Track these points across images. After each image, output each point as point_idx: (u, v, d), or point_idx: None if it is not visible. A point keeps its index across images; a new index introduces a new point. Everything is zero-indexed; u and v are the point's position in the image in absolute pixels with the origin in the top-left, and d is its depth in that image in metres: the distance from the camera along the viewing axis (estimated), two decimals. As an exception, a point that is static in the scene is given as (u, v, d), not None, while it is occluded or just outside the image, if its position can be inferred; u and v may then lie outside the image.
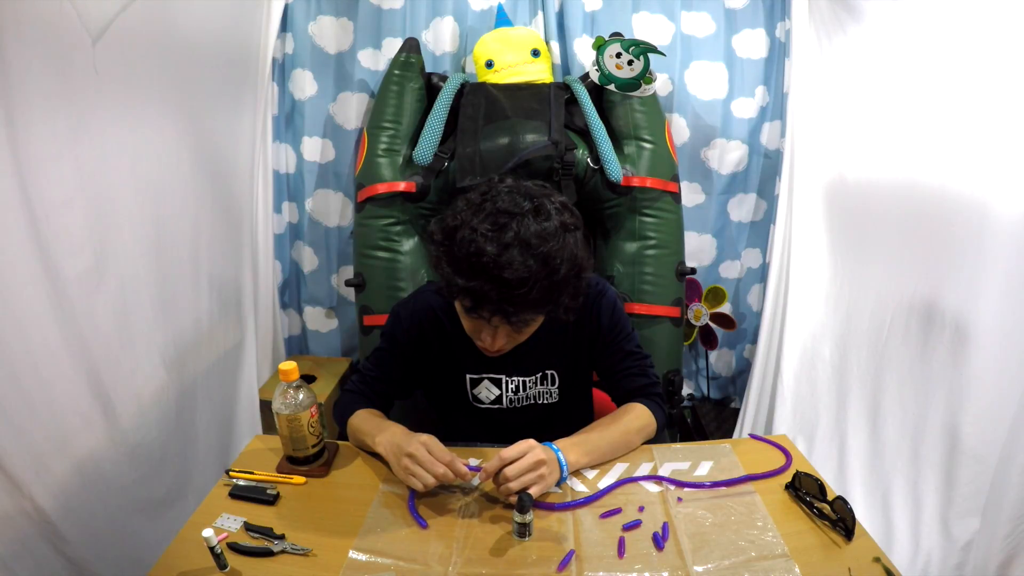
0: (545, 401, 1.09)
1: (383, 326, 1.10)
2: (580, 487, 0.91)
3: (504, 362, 1.05)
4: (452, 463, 0.83)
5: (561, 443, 0.91)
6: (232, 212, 1.51)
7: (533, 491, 0.82)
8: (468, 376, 1.06)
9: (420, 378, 1.10)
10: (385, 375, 1.07)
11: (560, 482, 0.90)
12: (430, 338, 1.06)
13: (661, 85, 1.82)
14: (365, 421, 1.00)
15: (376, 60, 1.81)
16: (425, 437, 0.86)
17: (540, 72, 1.70)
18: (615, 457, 0.97)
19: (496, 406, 1.08)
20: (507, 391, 1.07)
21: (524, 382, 1.06)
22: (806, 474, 0.87)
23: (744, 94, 1.87)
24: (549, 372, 1.07)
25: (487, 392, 1.07)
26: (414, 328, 1.05)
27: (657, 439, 1.05)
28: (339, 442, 1.02)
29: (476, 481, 0.90)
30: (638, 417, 1.01)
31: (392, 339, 1.06)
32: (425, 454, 0.83)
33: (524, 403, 1.08)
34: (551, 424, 1.09)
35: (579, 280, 0.85)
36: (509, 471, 0.81)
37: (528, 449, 0.84)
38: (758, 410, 1.74)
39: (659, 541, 0.79)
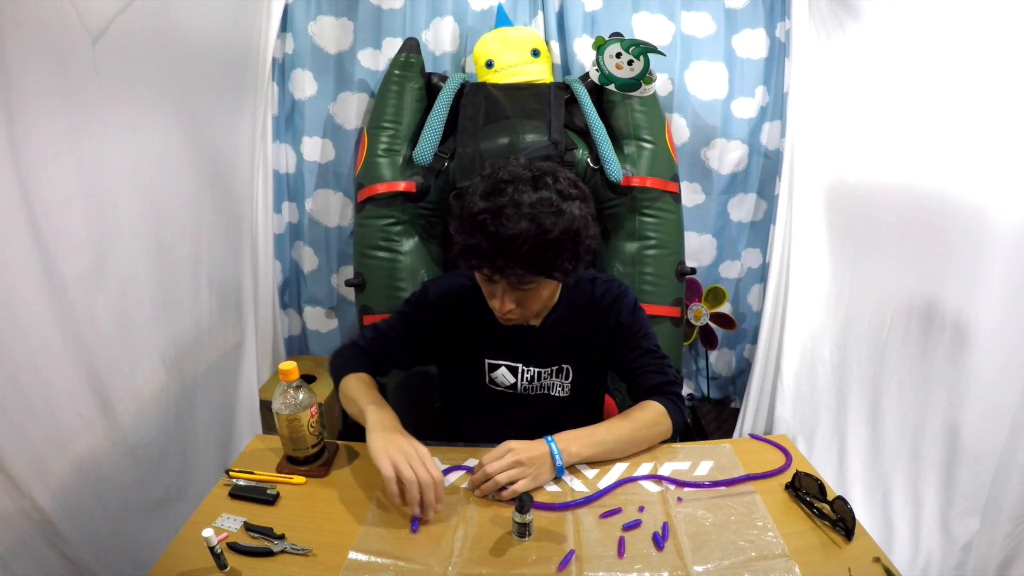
0: (557, 394, 1.10)
1: (410, 296, 1.13)
2: (580, 487, 0.91)
3: (522, 352, 1.07)
4: (429, 490, 0.81)
5: (563, 435, 0.92)
6: (232, 212, 1.51)
7: (521, 485, 0.84)
8: (487, 361, 1.08)
9: (434, 354, 1.13)
10: (399, 336, 1.10)
11: (558, 475, 0.90)
12: (452, 318, 1.08)
13: (661, 85, 1.82)
14: (362, 389, 0.99)
15: (376, 60, 1.81)
16: (416, 458, 0.83)
17: (540, 72, 1.70)
18: (626, 454, 0.97)
19: (510, 391, 1.10)
20: (522, 379, 1.09)
21: (539, 372, 1.08)
22: (806, 474, 0.87)
23: (744, 94, 1.87)
24: (564, 366, 1.08)
25: (503, 378, 1.09)
26: (440, 304, 1.09)
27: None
28: (339, 442, 1.02)
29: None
30: (652, 414, 0.99)
31: (416, 307, 1.10)
32: (412, 491, 0.81)
33: (537, 391, 1.10)
34: (560, 417, 1.10)
35: (576, 244, 0.87)
36: (489, 468, 0.85)
37: (505, 451, 0.87)
38: (758, 410, 1.74)
39: (659, 541, 0.79)
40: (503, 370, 1.08)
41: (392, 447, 0.84)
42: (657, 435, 0.99)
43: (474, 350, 1.09)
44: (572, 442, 0.91)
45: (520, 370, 1.08)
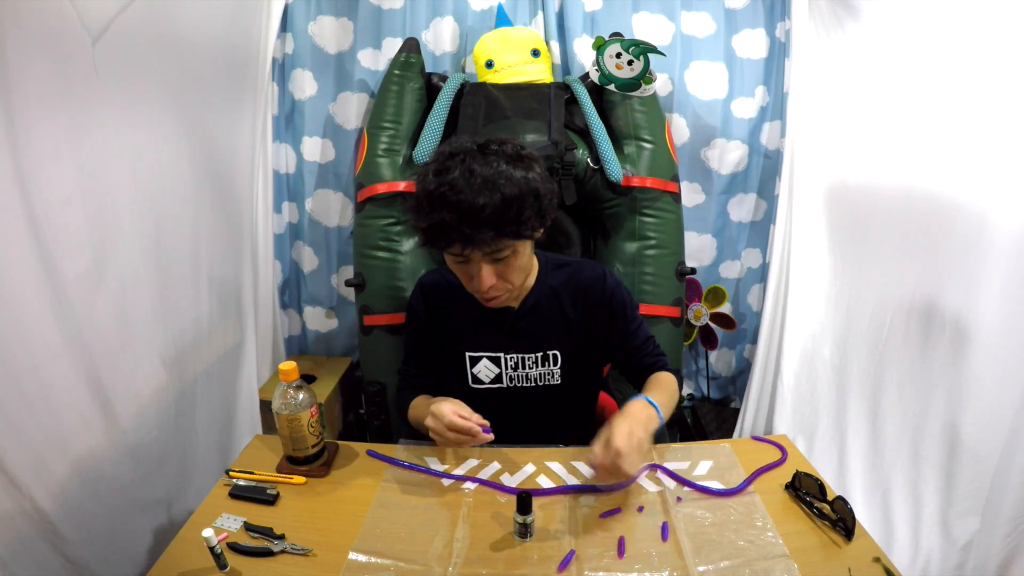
0: (547, 383, 1.10)
1: (406, 307, 1.16)
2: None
3: (501, 337, 1.07)
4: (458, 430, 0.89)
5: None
6: (232, 212, 1.51)
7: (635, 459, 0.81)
8: (467, 355, 1.08)
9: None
10: (418, 352, 1.14)
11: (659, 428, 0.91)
12: (434, 313, 1.10)
13: (661, 85, 1.82)
14: (415, 404, 1.09)
15: (376, 60, 1.81)
16: (445, 408, 0.90)
17: (540, 72, 1.70)
18: (667, 418, 0.97)
19: (496, 385, 1.09)
20: (506, 368, 1.08)
21: (523, 359, 1.07)
22: (806, 474, 0.87)
23: (744, 94, 1.87)
24: (551, 352, 1.08)
25: (486, 371, 1.08)
26: (424, 301, 1.11)
27: (657, 439, 1.05)
28: (339, 442, 1.03)
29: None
30: (671, 380, 1.05)
31: (411, 316, 1.14)
32: (440, 426, 0.90)
33: (525, 383, 1.09)
34: (553, 409, 1.11)
35: (538, 200, 0.89)
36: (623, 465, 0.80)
37: (609, 453, 0.81)
38: (758, 410, 1.74)
39: (664, 533, 0.80)
40: (485, 362, 1.08)
41: (431, 421, 0.92)
42: (676, 398, 1.05)
43: (454, 344, 1.09)
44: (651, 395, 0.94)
45: (502, 359, 1.08)
